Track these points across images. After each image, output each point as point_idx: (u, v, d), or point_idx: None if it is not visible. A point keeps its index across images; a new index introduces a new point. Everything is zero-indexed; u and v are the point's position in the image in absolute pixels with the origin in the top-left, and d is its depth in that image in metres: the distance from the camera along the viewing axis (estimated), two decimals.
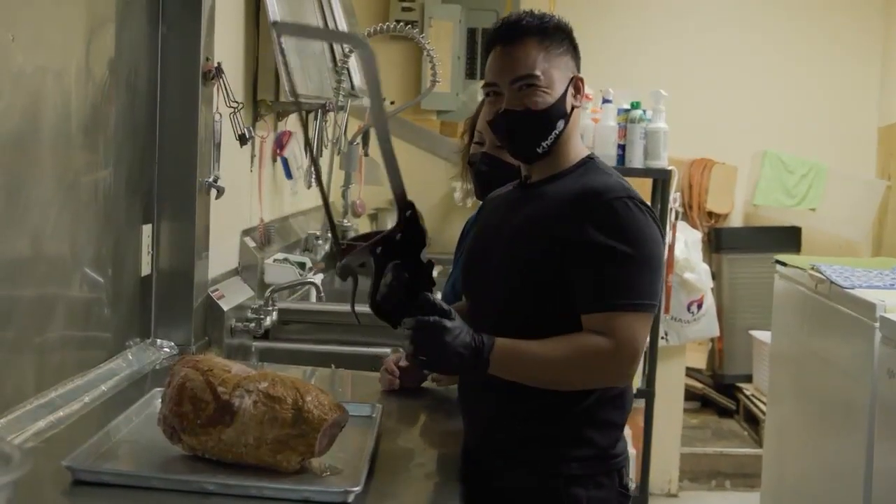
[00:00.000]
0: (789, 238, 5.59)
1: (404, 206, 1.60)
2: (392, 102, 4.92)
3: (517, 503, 1.81)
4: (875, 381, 3.02)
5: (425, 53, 3.38)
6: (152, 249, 2.46)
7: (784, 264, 3.99)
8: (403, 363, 2.22)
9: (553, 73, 1.77)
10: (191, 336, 2.51)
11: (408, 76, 5.34)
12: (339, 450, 1.68)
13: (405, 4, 5.46)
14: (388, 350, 2.68)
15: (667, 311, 4.35)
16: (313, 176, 3.59)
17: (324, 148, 3.77)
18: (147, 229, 2.43)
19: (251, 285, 3.02)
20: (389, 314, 1.64)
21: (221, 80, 2.58)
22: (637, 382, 3.83)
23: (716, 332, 4.94)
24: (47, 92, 1.91)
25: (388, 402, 2.10)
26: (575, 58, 1.82)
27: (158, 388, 1.84)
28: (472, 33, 5.52)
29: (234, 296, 2.81)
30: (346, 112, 3.72)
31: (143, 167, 2.40)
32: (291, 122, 3.54)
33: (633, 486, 3.07)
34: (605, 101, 3.84)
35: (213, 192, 2.59)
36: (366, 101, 4.04)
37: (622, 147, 3.81)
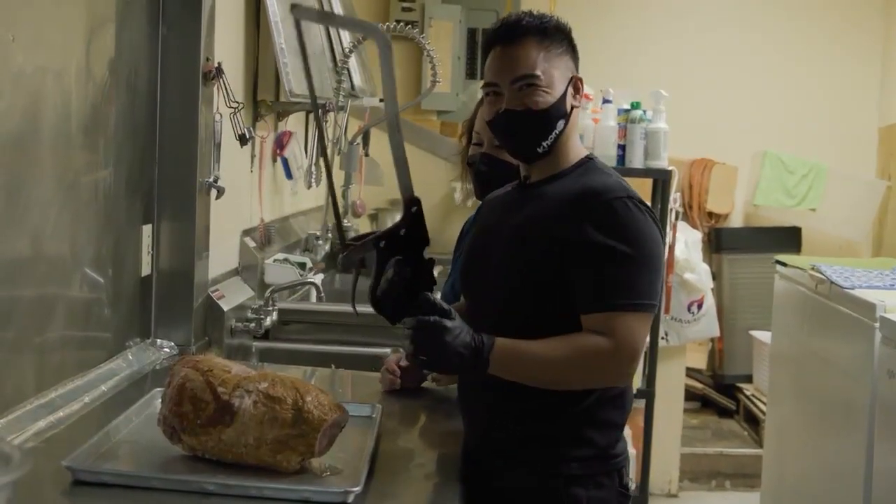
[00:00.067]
0: (789, 238, 5.59)
1: (411, 201, 1.59)
2: None
3: (517, 503, 1.81)
4: (875, 382, 3.02)
5: (425, 54, 3.38)
6: (152, 249, 2.45)
7: (784, 264, 3.98)
8: (404, 363, 2.22)
9: (553, 73, 1.77)
10: (191, 336, 2.51)
11: (408, 76, 5.33)
12: (339, 450, 1.68)
13: (405, 4, 5.47)
14: (388, 350, 2.68)
15: (667, 311, 4.34)
16: (316, 175, 3.59)
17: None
18: (147, 229, 2.43)
19: (251, 285, 3.02)
20: (388, 310, 1.63)
21: (221, 81, 2.58)
22: (637, 382, 3.82)
23: (716, 333, 4.94)
24: (47, 92, 1.91)
25: (388, 403, 2.09)
26: (574, 58, 1.83)
27: (158, 389, 1.84)
28: (472, 33, 5.53)
29: (234, 296, 2.81)
30: (346, 112, 3.72)
31: (144, 167, 2.40)
32: (291, 123, 3.54)
33: (633, 486, 3.06)
34: (606, 101, 3.84)
35: (214, 192, 2.59)
36: (366, 101, 4.04)
37: (622, 147, 3.80)
